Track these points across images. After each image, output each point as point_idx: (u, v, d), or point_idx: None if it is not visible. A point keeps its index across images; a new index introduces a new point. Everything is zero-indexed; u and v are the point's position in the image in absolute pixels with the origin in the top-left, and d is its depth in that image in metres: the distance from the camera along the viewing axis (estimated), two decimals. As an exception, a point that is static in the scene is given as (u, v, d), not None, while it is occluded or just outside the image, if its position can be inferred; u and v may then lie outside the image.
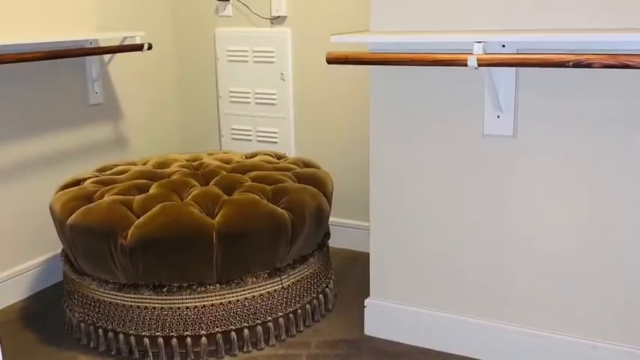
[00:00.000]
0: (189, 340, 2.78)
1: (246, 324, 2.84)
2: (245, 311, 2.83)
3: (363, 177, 3.38)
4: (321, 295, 3.15)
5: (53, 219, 2.96)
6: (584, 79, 2.56)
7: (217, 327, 2.80)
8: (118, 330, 2.82)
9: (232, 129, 4.18)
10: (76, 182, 3.12)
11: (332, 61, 2.62)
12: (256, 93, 4.04)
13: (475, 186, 2.77)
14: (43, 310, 3.30)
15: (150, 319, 2.77)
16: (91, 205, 2.85)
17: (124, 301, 2.79)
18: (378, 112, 2.88)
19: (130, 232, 2.68)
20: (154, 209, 2.76)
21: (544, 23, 2.59)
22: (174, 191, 2.93)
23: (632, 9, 2.46)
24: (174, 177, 3.10)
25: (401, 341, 3.00)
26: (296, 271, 2.98)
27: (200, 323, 2.78)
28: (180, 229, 2.71)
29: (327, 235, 3.29)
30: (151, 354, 2.80)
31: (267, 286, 2.88)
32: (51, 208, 2.97)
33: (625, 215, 2.55)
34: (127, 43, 3.63)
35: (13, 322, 3.20)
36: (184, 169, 3.22)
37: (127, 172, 3.20)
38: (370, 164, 2.93)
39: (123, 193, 2.92)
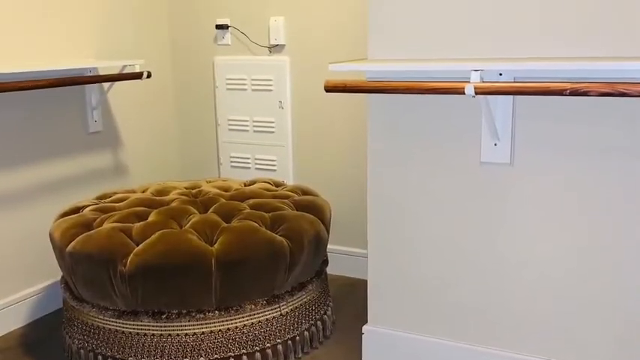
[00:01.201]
0: (188, 367, 2.79)
1: (244, 351, 2.85)
2: (244, 338, 2.84)
3: (361, 205, 3.40)
4: (319, 322, 3.16)
5: (53, 246, 2.97)
6: (582, 106, 2.58)
7: (216, 354, 2.80)
8: (117, 357, 2.82)
9: (231, 157, 4.20)
10: (76, 210, 3.13)
11: (330, 89, 2.64)
12: (255, 121, 4.06)
13: (473, 213, 2.79)
14: (43, 337, 3.31)
15: (149, 345, 2.78)
16: (90, 232, 2.86)
17: (123, 327, 2.80)
18: (376, 140, 2.90)
19: (130, 259, 2.70)
20: (153, 237, 2.77)
21: (541, 51, 2.62)
22: (173, 219, 2.94)
23: (629, 37, 2.49)
24: (173, 204, 3.12)
25: (399, 368, 3.01)
26: (294, 298, 2.99)
27: (199, 350, 2.78)
28: (179, 257, 2.72)
29: (326, 262, 3.31)
30: (149, 381, 2.81)
31: (266, 312, 2.88)
32: (51, 236, 2.98)
33: (625, 245, 2.56)
34: (126, 71, 3.66)
35: (13, 349, 3.20)
36: (183, 197, 3.23)
37: (126, 199, 3.21)
38: (368, 192, 2.95)
39: (122, 220, 2.93)
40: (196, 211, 3.04)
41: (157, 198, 3.24)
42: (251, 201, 3.16)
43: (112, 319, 2.81)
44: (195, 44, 4.22)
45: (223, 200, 3.17)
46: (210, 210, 3.06)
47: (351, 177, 3.82)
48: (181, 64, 4.29)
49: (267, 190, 3.40)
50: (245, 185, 3.53)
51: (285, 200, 3.20)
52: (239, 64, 4.06)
